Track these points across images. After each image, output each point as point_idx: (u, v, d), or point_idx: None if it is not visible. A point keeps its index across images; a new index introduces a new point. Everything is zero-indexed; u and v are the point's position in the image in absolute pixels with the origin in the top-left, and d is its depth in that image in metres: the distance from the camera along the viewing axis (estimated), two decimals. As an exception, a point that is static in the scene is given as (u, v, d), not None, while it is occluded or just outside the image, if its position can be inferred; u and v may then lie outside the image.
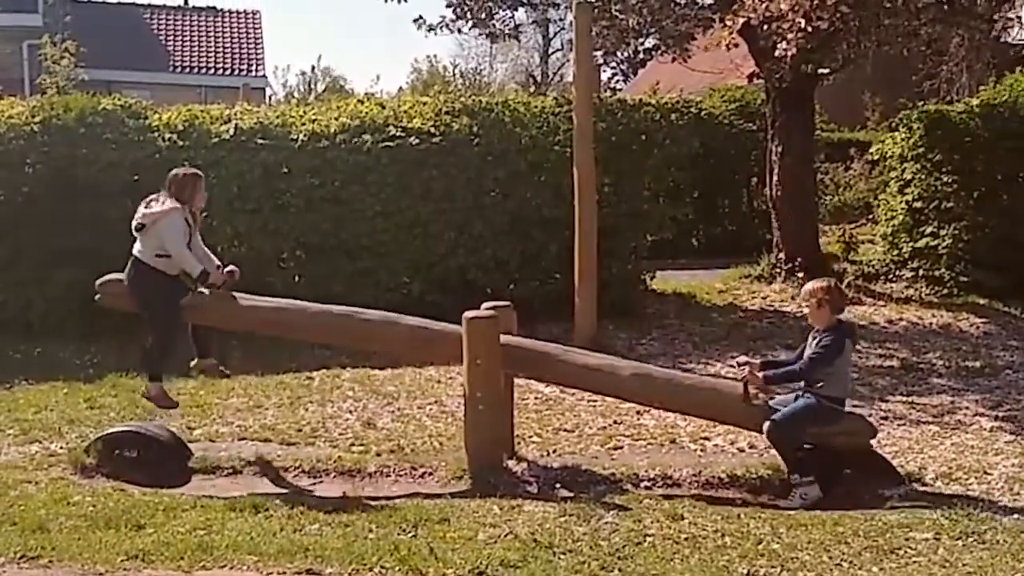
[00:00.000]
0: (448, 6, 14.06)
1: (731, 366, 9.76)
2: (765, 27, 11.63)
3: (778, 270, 13.12)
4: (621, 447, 7.51)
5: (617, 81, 16.21)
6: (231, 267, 7.12)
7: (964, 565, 5.11)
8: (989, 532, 5.57)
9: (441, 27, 14.60)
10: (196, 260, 6.88)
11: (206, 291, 6.93)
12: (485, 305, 6.99)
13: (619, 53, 14.23)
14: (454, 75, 49.51)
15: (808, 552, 5.29)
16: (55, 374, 9.59)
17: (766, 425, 6.38)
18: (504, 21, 14.66)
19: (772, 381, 6.57)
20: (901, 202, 13.28)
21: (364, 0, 76.48)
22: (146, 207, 6.88)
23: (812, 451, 6.50)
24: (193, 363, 7.28)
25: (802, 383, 6.52)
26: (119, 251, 10.76)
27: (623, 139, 11.96)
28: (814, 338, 6.51)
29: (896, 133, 13.73)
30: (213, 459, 7.11)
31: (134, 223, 6.91)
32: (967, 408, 8.54)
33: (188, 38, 32.67)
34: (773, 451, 7.21)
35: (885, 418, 8.22)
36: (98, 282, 7.23)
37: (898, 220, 13.35)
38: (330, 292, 11.15)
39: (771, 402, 6.55)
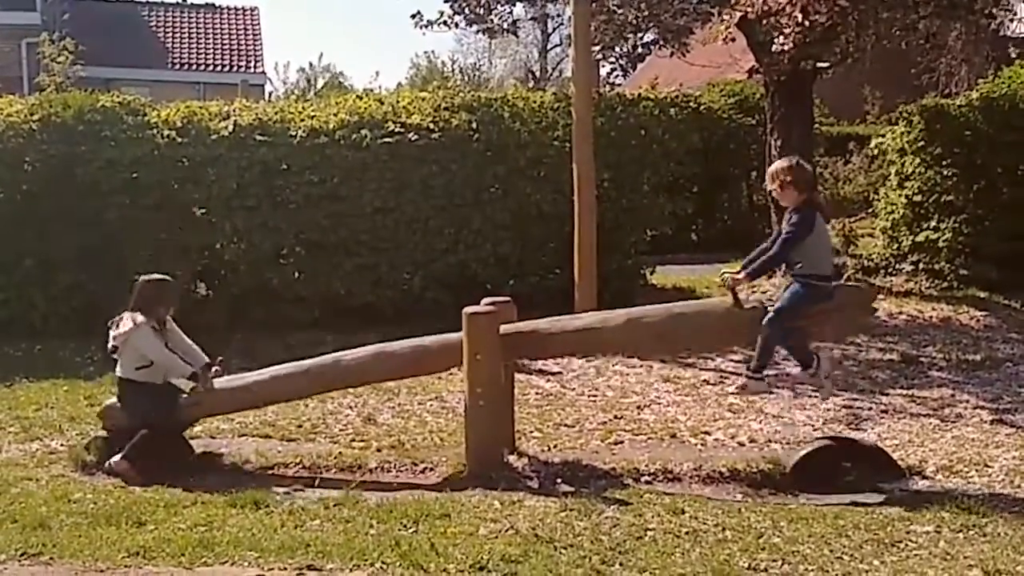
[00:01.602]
0: (446, 1, 14.04)
1: (731, 360, 9.76)
2: (763, 21, 11.62)
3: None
4: (621, 442, 7.51)
5: (616, 76, 16.20)
6: (219, 359, 7.10)
7: (965, 558, 5.12)
8: (990, 525, 5.58)
9: (439, 23, 14.59)
10: (182, 363, 6.85)
11: (198, 386, 6.87)
12: (485, 301, 6.99)
13: (618, 48, 14.23)
14: (453, 71, 49.53)
15: (809, 545, 5.29)
16: (56, 372, 9.60)
17: (766, 318, 6.31)
18: (502, 16, 14.64)
19: (753, 273, 6.44)
20: (901, 196, 13.26)
21: (362, -4, 76.43)
22: (114, 328, 6.86)
23: (811, 451, 6.52)
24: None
25: (786, 271, 6.44)
26: (118, 248, 10.93)
27: (622, 134, 11.96)
28: (785, 219, 6.41)
29: (896, 127, 13.70)
30: (214, 455, 7.11)
31: (108, 347, 6.92)
32: (967, 401, 8.53)
33: (186, 35, 32.67)
34: (774, 445, 7.26)
35: (885, 411, 8.23)
36: (98, 411, 7.23)
37: (898, 214, 13.33)
38: (330, 289, 11.21)
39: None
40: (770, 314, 6.33)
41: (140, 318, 6.82)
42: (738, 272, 6.45)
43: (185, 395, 6.92)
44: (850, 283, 6.90)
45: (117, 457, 6.70)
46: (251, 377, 7.22)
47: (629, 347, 7.22)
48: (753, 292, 12.60)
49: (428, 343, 6.99)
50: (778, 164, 6.61)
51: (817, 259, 6.39)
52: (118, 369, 6.93)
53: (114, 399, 7.05)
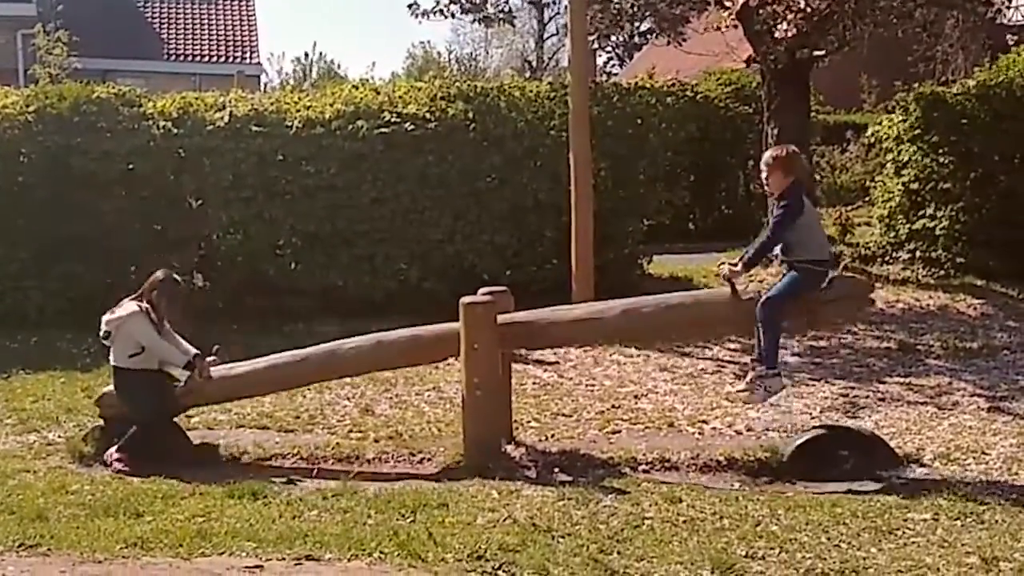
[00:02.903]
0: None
1: (729, 348, 9.77)
2: (763, 8, 11.60)
3: (774, 253, 13.07)
4: (619, 431, 7.52)
5: (612, 65, 16.21)
6: (216, 347, 7.09)
7: (963, 545, 5.13)
8: (987, 512, 5.58)
9: (435, 12, 14.58)
10: (176, 351, 6.86)
11: (194, 375, 6.86)
12: (482, 291, 6.99)
13: (614, 37, 14.30)
14: (449, 61, 49.44)
15: (807, 533, 5.30)
16: (52, 364, 9.58)
17: (759, 304, 6.34)
18: (498, 5, 14.63)
19: (749, 262, 6.49)
20: (898, 184, 13.26)
21: (358, -14, 76.31)
22: (110, 314, 6.86)
23: (808, 439, 6.53)
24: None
25: (783, 257, 6.46)
26: (114, 240, 10.91)
27: (619, 123, 11.94)
28: (773, 205, 6.46)
29: (893, 115, 13.70)
30: (211, 446, 7.10)
31: (101, 332, 6.90)
32: (965, 389, 8.54)
33: (182, 26, 32.53)
34: (771, 433, 7.26)
35: (883, 399, 8.24)
36: (95, 399, 7.21)
37: (895, 202, 13.33)
38: (327, 280, 11.20)
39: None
40: (764, 298, 6.33)
41: (141, 305, 6.81)
42: (735, 263, 6.47)
43: (178, 384, 6.91)
44: (848, 274, 6.90)
45: (112, 450, 6.69)
46: (247, 366, 7.21)
47: (626, 338, 7.24)
48: (751, 282, 12.63)
49: (425, 332, 6.99)
50: (770, 152, 6.66)
51: (811, 243, 6.41)
52: (111, 357, 6.93)
53: (110, 387, 7.04)
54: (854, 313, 6.42)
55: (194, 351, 6.94)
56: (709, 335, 7.06)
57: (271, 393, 7.83)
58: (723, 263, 6.57)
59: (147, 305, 6.84)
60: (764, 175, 6.58)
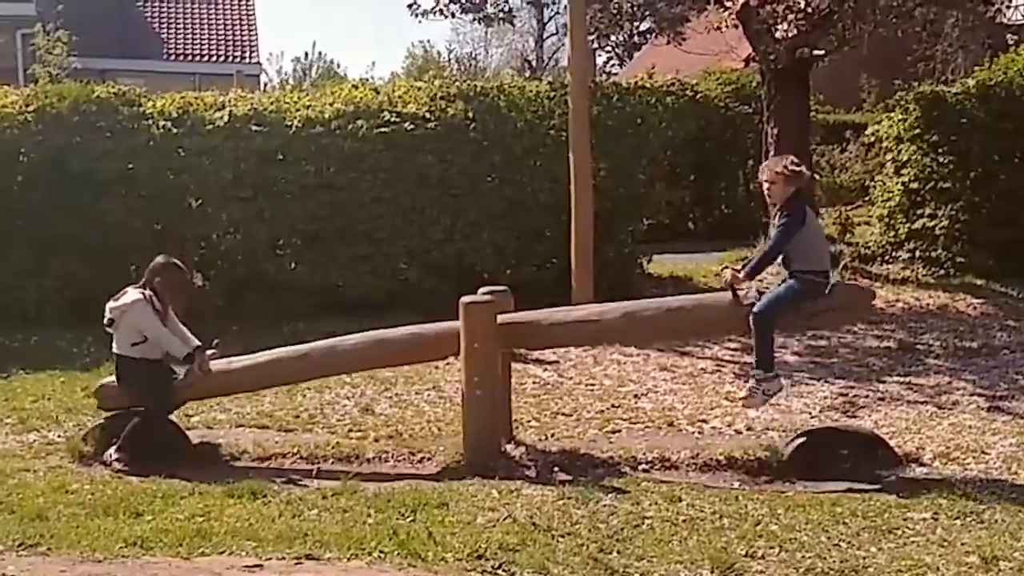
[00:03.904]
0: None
1: (729, 348, 9.77)
2: (764, 8, 11.61)
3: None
4: (619, 430, 7.52)
5: (612, 65, 16.22)
6: (216, 341, 7.11)
7: (962, 544, 5.13)
8: (987, 511, 5.59)
9: (435, 11, 14.58)
10: (178, 342, 6.84)
11: (194, 368, 6.86)
12: (482, 290, 6.99)
13: (614, 36, 14.28)
14: (449, 60, 49.42)
15: (806, 533, 5.30)
16: (52, 363, 9.58)
17: (752, 313, 6.35)
18: (498, 5, 14.64)
19: (752, 271, 6.51)
20: (897, 183, 13.26)
21: (358, -14, 76.27)
22: (114, 301, 6.85)
23: (809, 438, 6.53)
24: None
25: (784, 268, 6.48)
26: (114, 240, 10.91)
27: (619, 123, 11.93)
28: (775, 216, 6.49)
29: (892, 114, 13.70)
30: (211, 446, 7.10)
31: (105, 319, 6.88)
32: (964, 388, 8.54)
33: (181, 25, 32.54)
34: (771, 432, 7.26)
35: (882, 399, 8.24)
36: (94, 388, 7.22)
37: (894, 201, 13.34)
38: (326, 279, 11.20)
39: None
40: (758, 308, 6.35)
41: (144, 294, 6.81)
42: (739, 270, 6.52)
43: (178, 377, 6.90)
44: (850, 281, 6.92)
45: (112, 449, 6.69)
46: (247, 360, 7.20)
47: (627, 340, 7.27)
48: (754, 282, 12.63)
49: (425, 330, 6.99)
50: (771, 160, 6.68)
51: (812, 254, 6.44)
52: (114, 345, 6.90)
53: (109, 379, 7.04)
54: (854, 320, 6.42)
55: (196, 343, 6.94)
56: (709, 338, 7.07)
57: (270, 388, 7.83)
58: (727, 267, 6.60)
59: (150, 293, 6.83)
60: (765, 186, 6.61)
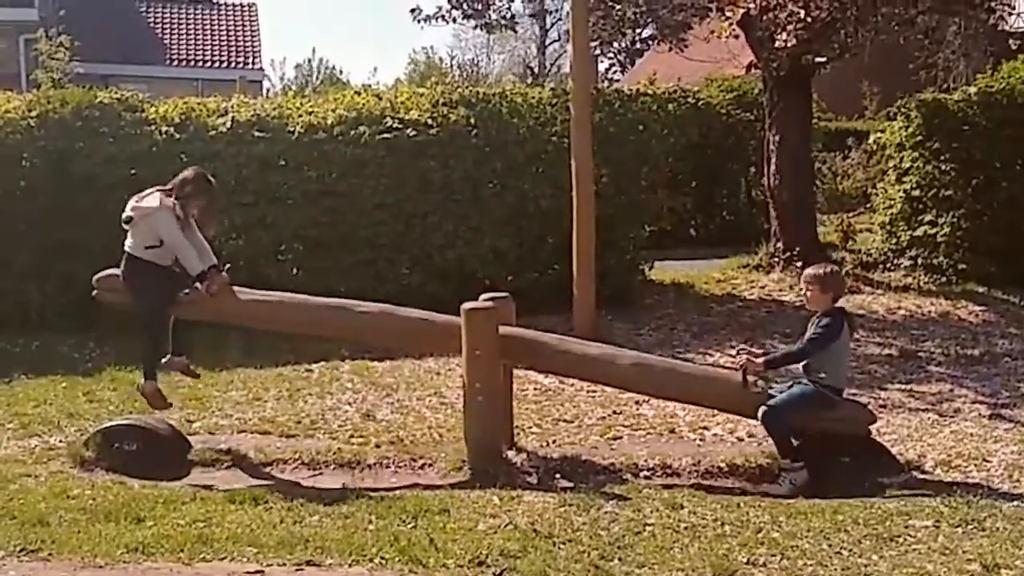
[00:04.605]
0: (443, -4, 14.05)
1: (730, 355, 9.75)
2: (764, 17, 11.62)
3: (776, 259, 13.11)
4: (620, 437, 7.51)
5: (614, 72, 16.21)
6: (227, 265, 7.11)
7: (964, 552, 5.11)
8: (989, 519, 5.57)
9: (437, 18, 14.59)
10: (194, 254, 6.78)
11: (201, 288, 6.83)
12: (483, 296, 6.98)
13: (616, 43, 14.25)
14: (451, 67, 49.48)
15: (808, 540, 5.29)
16: (54, 368, 9.59)
17: (761, 410, 6.39)
18: (500, 12, 14.65)
19: (772, 365, 6.60)
20: (899, 191, 13.27)
21: (360, -8, 76.32)
22: (137, 200, 6.84)
23: (807, 439, 6.51)
24: (164, 360, 7.11)
25: (802, 371, 6.54)
26: (116, 245, 10.85)
27: (621, 130, 11.94)
28: (813, 323, 6.56)
29: (894, 122, 13.71)
30: (213, 452, 7.10)
31: (124, 215, 6.83)
32: (966, 396, 8.54)
33: (184, 31, 32.61)
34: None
35: (884, 406, 8.22)
36: (95, 278, 7.19)
37: (896, 209, 13.34)
38: (328, 285, 11.17)
39: (770, 391, 6.57)
40: (767, 409, 6.39)
41: (169, 200, 6.76)
42: (758, 359, 6.57)
43: (186, 292, 6.88)
44: (855, 400, 7.01)
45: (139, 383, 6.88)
46: (259, 295, 7.18)
47: (630, 388, 7.31)
48: (752, 288, 12.64)
49: (436, 318, 6.98)
50: (817, 268, 6.77)
51: (835, 370, 6.53)
52: (127, 244, 6.85)
53: (112, 270, 7.02)
54: (852, 433, 6.50)
55: (213, 260, 6.89)
56: (716, 407, 7.13)
57: (268, 329, 7.75)
58: (742, 350, 6.67)
59: (175, 201, 6.78)
60: (805, 292, 6.77)
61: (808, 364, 6.52)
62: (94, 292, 7.19)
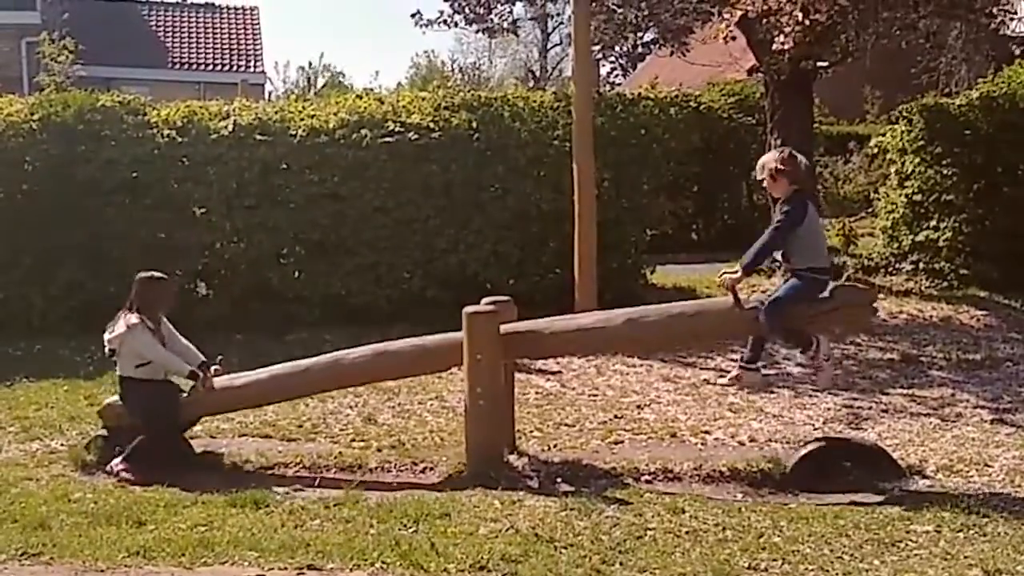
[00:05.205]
0: (446, 1, 14.06)
1: (731, 359, 9.75)
2: (763, 20, 11.62)
3: (777, 263, 13.08)
4: (622, 441, 7.51)
5: (616, 75, 16.23)
6: (219, 357, 7.15)
7: (965, 557, 5.12)
8: (990, 524, 5.57)
9: (439, 22, 14.62)
10: (180, 361, 6.88)
11: (198, 385, 6.90)
12: (485, 300, 6.99)
13: (618, 47, 14.30)
14: (453, 71, 49.50)
15: (809, 545, 5.29)
16: (55, 371, 9.59)
17: (760, 314, 6.32)
18: (502, 16, 14.69)
19: (749, 266, 6.45)
20: (901, 195, 13.26)
21: (362, -4, 76.40)
22: (109, 332, 6.87)
23: (817, 449, 6.52)
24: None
25: (784, 267, 6.47)
26: (118, 249, 10.92)
27: (622, 134, 11.93)
28: (777, 209, 6.44)
29: (896, 126, 13.70)
30: (214, 455, 7.10)
31: (106, 350, 6.95)
32: (967, 401, 8.53)
33: (186, 34, 32.68)
34: (774, 444, 7.25)
35: (885, 411, 8.22)
36: (98, 409, 7.23)
37: (898, 213, 13.33)
38: (330, 288, 11.21)
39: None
40: (764, 307, 6.33)
41: (134, 319, 6.81)
42: (735, 270, 6.46)
43: (185, 394, 6.94)
44: (849, 283, 6.91)
45: (117, 460, 6.70)
46: (251, 376, 7.22)
47: (630, 347, 7.23)
48: (754, 292, 12.62)
49: (428, 342, 6.99)
50: (769, 155, 6.65)
51: (812, 251, 6.41)
52: (118, 368, 6.95)
53: (115, 397, 7.05)
54: (858, 322, 6.39)
55: (200, 358, 6.96)
56: (713, 344, 7.06)
57: (274, 403, 7.83)
58: (723, 273, 6.56)
59: (136, 318, 6.83)
60: (764, 179, 6.56)
61: (786, 255, 6.42)
62: (104, 423, 7.12)
